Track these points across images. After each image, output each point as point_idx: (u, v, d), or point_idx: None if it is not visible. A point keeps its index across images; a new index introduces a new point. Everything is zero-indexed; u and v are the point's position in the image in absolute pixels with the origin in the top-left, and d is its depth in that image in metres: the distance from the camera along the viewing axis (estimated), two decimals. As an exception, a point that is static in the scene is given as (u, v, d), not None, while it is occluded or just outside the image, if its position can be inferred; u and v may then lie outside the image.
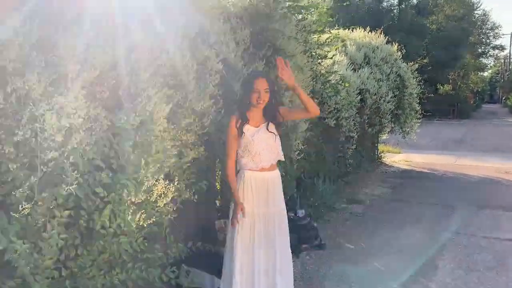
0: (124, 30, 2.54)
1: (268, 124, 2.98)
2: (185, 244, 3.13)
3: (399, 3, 30.01)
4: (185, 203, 3.48)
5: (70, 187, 2.07)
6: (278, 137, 3.03)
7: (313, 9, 4.36)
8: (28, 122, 1.96)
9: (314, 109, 2.98)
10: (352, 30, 8.88)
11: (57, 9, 2.15)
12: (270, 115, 2.99)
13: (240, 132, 2.93)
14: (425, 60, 16.47)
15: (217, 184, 4.36)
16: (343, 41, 7.88)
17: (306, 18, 4.24)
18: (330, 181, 7.40)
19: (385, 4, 29.77)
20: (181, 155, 3.21)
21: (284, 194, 3.22)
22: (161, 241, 2.91)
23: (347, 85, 5.87)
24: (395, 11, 29.91)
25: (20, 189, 1.96)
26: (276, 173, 3.08)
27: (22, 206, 1.92)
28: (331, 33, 5.69)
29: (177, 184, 3.21)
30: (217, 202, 4.61)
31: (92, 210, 2.21)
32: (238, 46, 3.61)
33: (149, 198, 2.41)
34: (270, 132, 2.97)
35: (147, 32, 2.70)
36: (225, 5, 3.73)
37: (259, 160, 2.96)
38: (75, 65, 2.18)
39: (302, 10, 3.72)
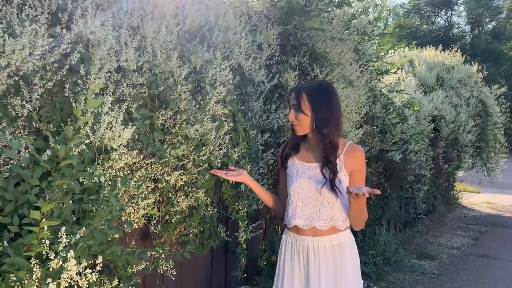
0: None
1: (325, 167, 1.85)
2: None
3: (472, 29, 28.03)
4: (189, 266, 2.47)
5: None
6: (344, 189, 1.84)
7: (369, 5, 3.27)
8: None
9: (357, 226, 1.91)
10: (421, 50, 7.61)
11: None
12: (322, 151, 1.87)
13: (284, 164, 1.99)
14: (503, 89, 14.58)
15: (242, 237, 3.23)
16: (410, 60, 6.64)
17: (358, 17, 3.14)
18: (396, 229, 6.06)
19: (456, 30, 27.93)
20: (168, 202, 2.22)
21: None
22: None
23: (416, 108, 4.63)
24: (467, 37, 27.93)
25: None
26: (329, 242, 1.88)
27: None
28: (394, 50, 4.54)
29: (160, 243, 2.22)
30: (242, 259, 3.48)
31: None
32: (260, 51, 2.61)
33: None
34: (326, 177, 1.84)
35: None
36: (248, 2, 2.79)
37: (293, 214, 1.92)
38: None
39: (351, 0, 2.64)
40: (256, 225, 2.59)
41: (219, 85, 2.20)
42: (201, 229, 2.51)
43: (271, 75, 2.56)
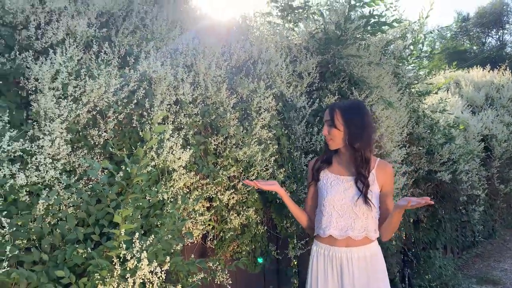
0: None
1: (359, 180, 1.98)
2: None
3: (525, 47, 26.86)
4: (242, 282, 2.64)
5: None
6: (376, 202, 2.00)
7: (407, 31, 3.41)
8: None
9: (387, 237, 2.05)
10: (468, 71, 7.54)
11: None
12: (354, 165, 2.00)
13: (316, 177, 2.10)
14: None
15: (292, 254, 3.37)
16: (456, 82, 6.60)
17: (394, 42, 3.30)
18: (454, 253, 5.85)
19: (509, 49, 26.88)
20: (222, 220, 2.43)
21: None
22: None
23: (461, 127, 4.60)
24: (520, 55, 26.75)
25: None
26: (362, 253, 1.99)
27: None
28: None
29: (217, 258, 2.41)
30: (294, 280, 3.60)
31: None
32: (301, 79, 2.83)
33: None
34: (360, 190, 1.96)
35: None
36: (287, 36, 3.05)
37: (328, 225, 2.01)
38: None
39: (385, 28, 2.82)
40: (305, 242, 2.72)
41: (264, 111, 2.43)
42: (253, 247, 2.68)
43: (312, 100, 2.76)
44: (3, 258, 1.41)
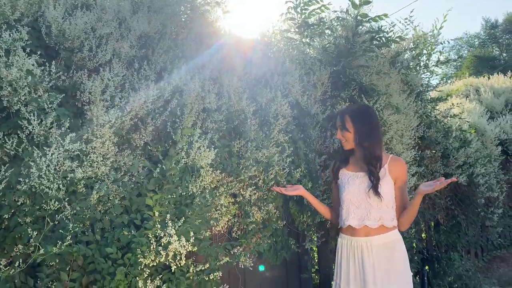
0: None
1: (373, 173, 2.21)
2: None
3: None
4: (265, 274, 2.93)
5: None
6: (389, 193, 2.22)
7: (418, 42, 3.68)
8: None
9: (405, 226, 2.29)
10: (489, 78, 7.63)
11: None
12: (366, 161, 2.25)
13: (336, 176, 2.35)
14: None
15: (315, 252, 3.64)
16: (477, 89, 6.73)
17: (401, 53, 3.57)
18: (478, 258, 5.91)
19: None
20: (245, 214, 2.74)
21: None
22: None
23: (473, 131, 4.76)
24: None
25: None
26: (381, 240, 2.21)
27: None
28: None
29: (242, 248, 2.72)
30: (312, 273, 3.84)
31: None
32: (315, 89, 3.14)
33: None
34: (373, 182, 2.20)
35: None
36: (303, 50, 3.38)
37: (346, 216, 2.25)
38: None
39: (391, 44, 3.10)
40: (320, 235, 2.99)
41: (280, 117, 2.74)
42: (274, 240, 2.97)
43: (326, 107, 3.06)
44: (67, 234, 1.77)
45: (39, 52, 2.00)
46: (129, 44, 2.37)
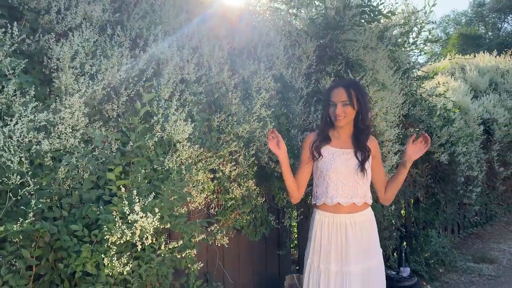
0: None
1: (358, 151, 2.21)
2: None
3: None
4: (244, 250, 2.88)
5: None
6: (369, 171, 2.23)
7: (408, 19, 3.57)
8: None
9: (390, 200, 2.37)
10: (475, 56, 7.60)
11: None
12: (359, 142, 2.22)
13: (317, 154, 2.23)
14: None
15: (294, 228, 3.62)
16: (462, 67, 6.69)
17: (389, 29, 3.45)
18: (454, 234, 6.02)
19: (525, 35, 26.42)
20: (224, 190, 2.66)
21: (384, 247, 2.37)
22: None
23: (456, 110, 4.74)
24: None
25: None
26: (362, 217, 2.22)
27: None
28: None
29: (219, 226, 2.65)
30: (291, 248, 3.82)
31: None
32: (300, 62, 3.02)
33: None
34: (360, 160, 2.19)
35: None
36: (290, 21, 3.23)
37: (334, 193, 2.18)
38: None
39: (379, 18, 2.98)
40: (300, 212, 2.95)
41: (263, 91, 2.63)
42: (254, 216, 2.91)
43: (311, 81, 2.95)
44: (30, 211, 1.66)
45: (0, 12, 1.83)
46: (102, 8, 2.20)
